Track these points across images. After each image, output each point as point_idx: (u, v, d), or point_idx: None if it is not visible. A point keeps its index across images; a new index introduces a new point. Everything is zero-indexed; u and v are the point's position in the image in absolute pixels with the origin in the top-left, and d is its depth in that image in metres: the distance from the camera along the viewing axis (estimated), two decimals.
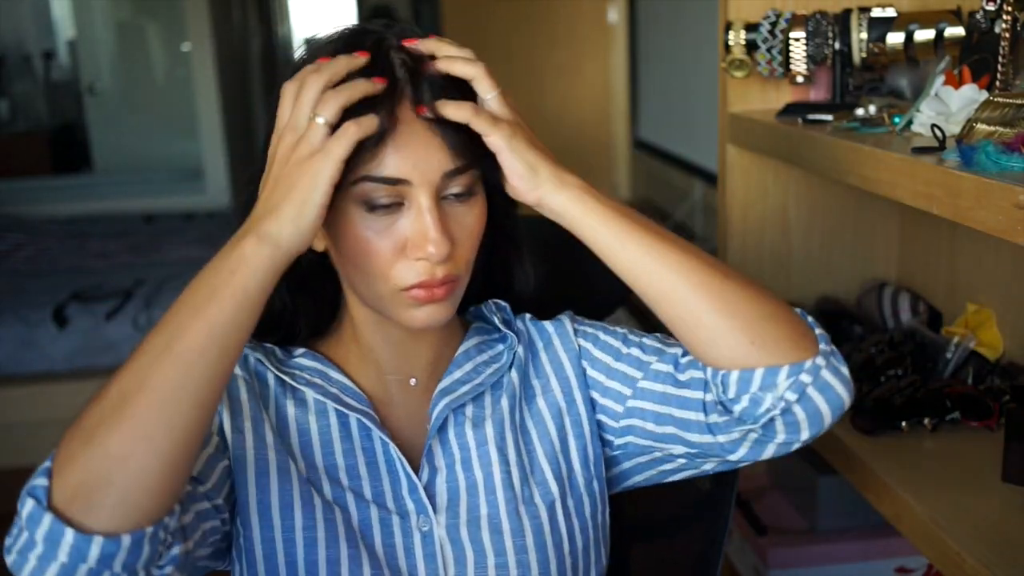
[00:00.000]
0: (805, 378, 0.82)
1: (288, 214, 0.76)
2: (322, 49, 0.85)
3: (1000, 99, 0.96)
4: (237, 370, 0.91)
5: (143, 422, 0.70)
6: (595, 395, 0.96)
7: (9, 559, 0.70)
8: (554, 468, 0.94)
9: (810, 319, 0.88)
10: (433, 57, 0.84)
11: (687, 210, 3.44)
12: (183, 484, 0.75)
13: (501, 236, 0.95)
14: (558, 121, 3.83)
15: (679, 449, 0.91)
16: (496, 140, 0.83)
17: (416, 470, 0.91)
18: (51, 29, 5.89)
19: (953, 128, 1.04)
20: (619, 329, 0.98)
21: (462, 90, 0.84)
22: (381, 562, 0.87)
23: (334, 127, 0.78)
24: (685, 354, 0.91)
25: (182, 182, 4.86)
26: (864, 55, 1.35)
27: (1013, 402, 1.23)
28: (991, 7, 1.08)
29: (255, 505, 0.87)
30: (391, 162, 0.81)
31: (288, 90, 0.81)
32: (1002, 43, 1.05)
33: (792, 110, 1.39)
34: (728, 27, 1.43)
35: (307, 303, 0.94)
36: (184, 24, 4.58)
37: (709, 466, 0.93)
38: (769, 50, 1.40)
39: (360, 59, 0.81)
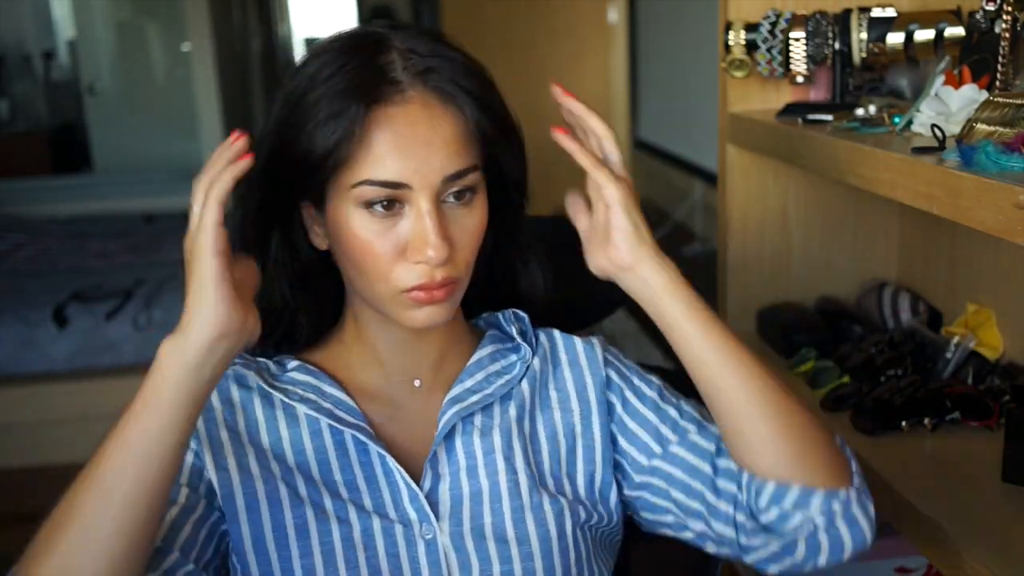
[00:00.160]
0: (836, 507, 0.85)
1: (190, 303, 0.75)
2: (323, 52, 0.85)
3: (1000, 99, 0.96)
4: (216, 404, 0.89)
5: (79, 545, 0.73)
6: (620, 439, 0.96)
7: None
8: (558, 482, 0.94)
9: (848, 451, 0.90)
10: (448, 57, 0.84)
11: (687, 210, 3.44)
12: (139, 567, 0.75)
13: (505, 238, 0.95)
14: (558, 121, 3.84)
15: (698, 526, 0.92)
16: (613, 193, 0.84)
17: (419, 475, 0.90)
18: (51, 29, 5.89)
19: (953, 128, 1.04)
20: (655, 380, 0.98)
21: (482, 83, 0.85)
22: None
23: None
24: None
25: (182, 182, 4.83)
26: (864, 55, 1.35)
27: (1013, 402, 1.23)
28: (991, 7, 1.08)
29: (250, 541, 0.86)
30: (392, 165, 0.81)
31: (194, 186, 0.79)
32: (1002, 43, 1.05)
33: (792, 110, 1.39)
34: (728, 27, 1.43)
35: (309, 301, 0.93)
36: (184, 24, 4.58)
37: (713, 549, 0.93)
38: (769, 50, 1.40)
39: (239, 145, 0.76)
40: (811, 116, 1.34)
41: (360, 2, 6.95)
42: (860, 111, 1.27)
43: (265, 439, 0.90)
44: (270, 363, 0.94)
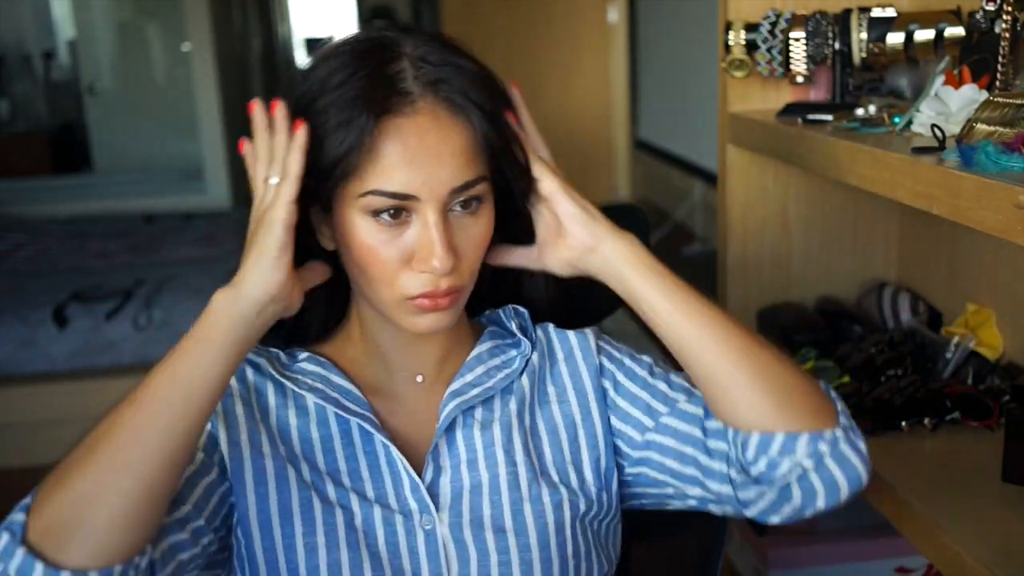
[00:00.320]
0: (823, 447, 0.85)
1: (250, 265, 0.80)
2: (333, 57, 0.85)
3: (1000, 99, 0.96)
4: (233, 383, 0.92)
5: (109, 466, 0.75)
6: (614, 420, 0.96)
7: None
8: (562, 474, 0.94)
9: (833, 393, 0.90)
10: (459, 67, 0.84)
11: (687, 210, 3.44)
12: (153, 523, 0.77)
13: (511, 243, 0.95)
14: (558, 121, 3.83)
15: (695, 491, 0.93)
16: (551, 183, 0.88)
17: (421, 468, 0.91)
18: (51, 29, 5.89)
19: (953, 128, 1.04)
20: (645, 358, 0.99)
21: (491, 96, 0.85)
22: (384, 563, 0.87)
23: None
24: None
25: (182, 182, 4.86)
26: (864, 55, 1.35)
27: (1013, 402, 1.23)
28: (991, 7, 1.08)
29: (255, 515, 0.88)
30: (400, 177, 0.82)
31: (247, 153, 0.85)
32: (1002, 43, 1.05)
33: (792, 110, 1.39)
34: (728, 27, 1.43)
35: (318, 298, 0.94)
36: (184, 24, 4.58)
37: (718, 510, 0.93)
38: (769, 50, 1.40)
39: (299, 131, 0.81)
40: (811, 116, 1.34)
41: (360, 2, 6.95)
42: (860, 111, 1.27)
43: (275, 423, 0.92)
44: (281, 354, 0.96)
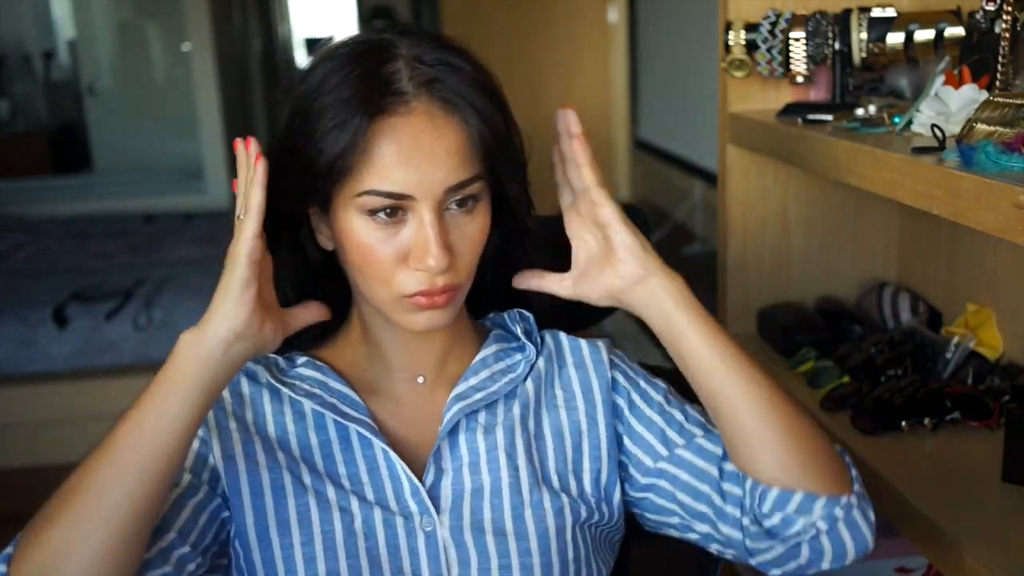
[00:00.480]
0: (838, 512, 0.85)
1: (215, 303, 0.80)
2: (330, 58, 0.86)
3: (1000, 99, 0.96)
4: (226, 395, 0.92)
5: (81, 517, 0.76)
6: (626, 439, 0.96)
7: None
8: (563, 480, 0.94)
9: (847, 459, 0.91)
10: (454, 67, 0.84)
11: (687, 210, 3.44)
12: (132, 564, 0.78)
13: (511, 242, 0.95)
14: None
15: (703, 528, 0.93)
16: (611, 211, 0.87)
17: (421, 470, 0.91)
18: (51, 29, 5.89)
19: (953, 128, 1.04)
20: (660, 383, 0.98)
21: (486, 95, 0.85)
22: (383, 567, 0.87)
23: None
24: None
25: (182, 182, 4.86)
26: (864, 55, 1.35)
27: (1013, 402, 1.23)
28: (991, 7, 1.08)
29: (253, 528, 0.88)
30: (395, 176, 0.82)
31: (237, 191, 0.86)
32: (1002, 43, 1.05)
33: (792, 110, 1.39)
34: (728, 27, 1.43)
35: (316, 300, 0.94)
36: (184, 24, 4.58)
37: (717, 550, 0.93)
38: (769, 50, 1.40)
39: (252, 152, 0.82)
40: (811, 116, 1.34)
41: (360, 2, 6.95)
42: (860, 111, 1.27)
43: (272, 431, 0.91)
44: (280, 359, 0.95)
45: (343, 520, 0.88)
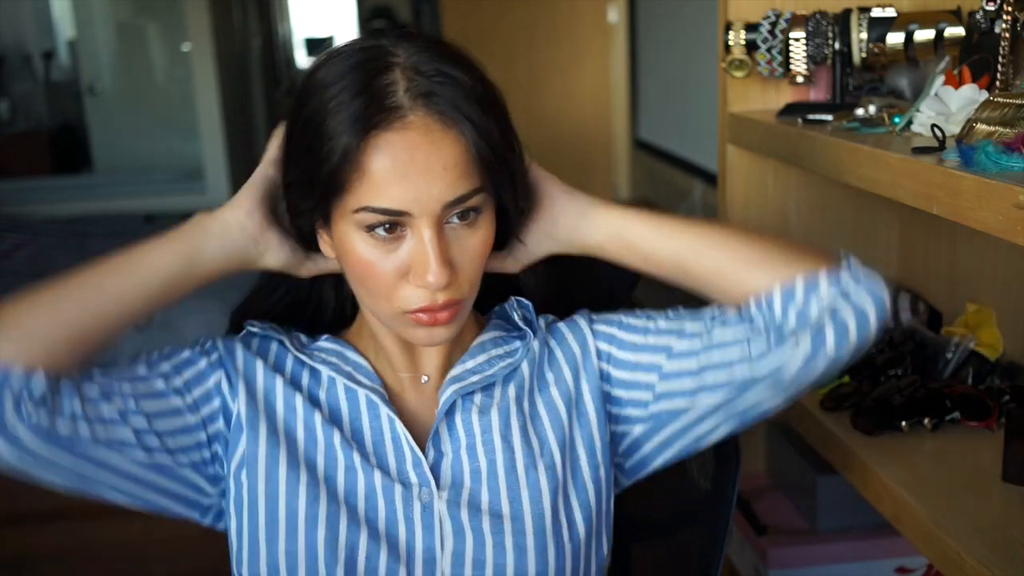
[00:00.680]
0: (845, 278, 0.86)
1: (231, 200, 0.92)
2: (327, 66, 0.85)
3: (1000, 99, 0.96)
4: (254, 350, 0.95)
5: (58, 294, 0.87)
6: (618, 391, 0.96)
7: None
8: (562, 454, 0.94)
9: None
10: (452, 78, 0.83)
11: (687, 210, 3.44)
12: (79, 355, 0.85)
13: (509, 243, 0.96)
14: (558, 121, 3.83)
15: (718, 397, 0.91)
16: (536, 169, 0.93)
17: (423, 453, 0.92)
18: (51, 29, 5.88)
19: (953, 128, 1.04)
20: (637, 315, 0.99)
21: (483, 108, 0.84)
22: (379, 530, 0.89)
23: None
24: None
25: (182, 182, 4.86)
26: (864, 55, 1.35)
27: (1013, 402, 1.23)
28: (991, 7, 1.08)
29: (263, 459, 0.90)
30: (392, 193, 0.81)
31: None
32: (1002, 43, 1.05)
33: (792, 110, 1.39)
34: (728, 27, 1.43)
35: (329, 294, 0.98)
36: (184, 24, 4.58)
37: (744, 407, 0.91)
38: (769, 50, 1.40)
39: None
40: (811, 116, 1.34)
41: (360, 2, 6.95)
42: (860, 111, 1.27)
43: (291, 383, 0.94)
44: (301, 334, 0.98)
45: (347, 478, 0.90)
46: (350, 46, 0.87)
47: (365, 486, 0.90)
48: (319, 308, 1.00)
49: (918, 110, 1.12)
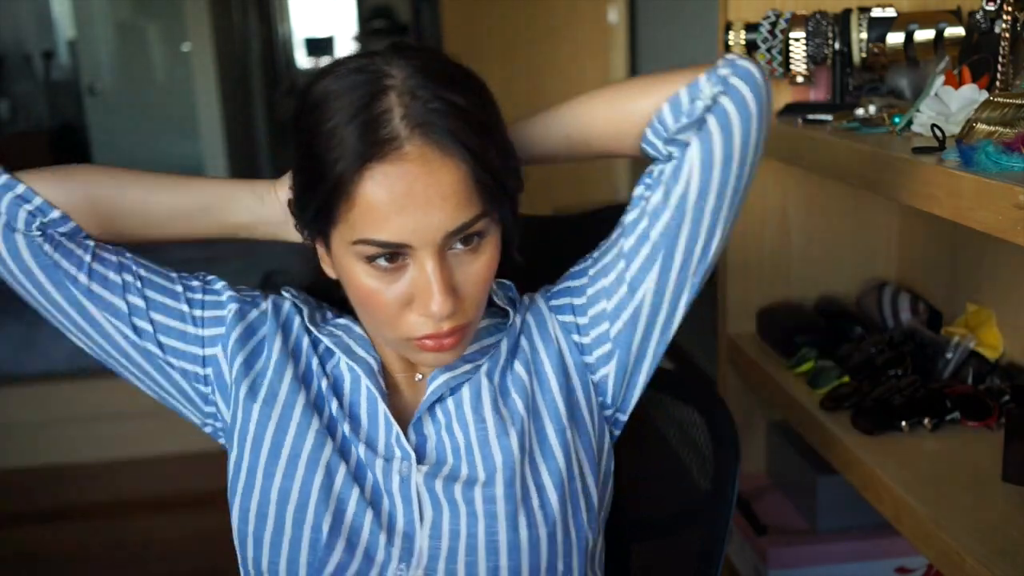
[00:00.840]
0: (723, 70, 0.86)
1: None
2: (322, 81, 0.83)
3: (1000, 99, 0.96)
4: (295, 316, 0.97)
5: (110, 174, 0.95)
6: (587, 358, 0.95)
7: None
8: (529, 421, 0.92)
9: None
10: (450, 103, 0.81)
11: None
12: (103, 225, 0.93)
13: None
14: None
15: (657, 254, 0.90)
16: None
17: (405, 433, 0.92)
18: (51, 29, 5.88)
19: (953, 128, 1.04)
20: (576, 272, 0.97)
21: (481, 133, 0.82)
22: (367, 497, 0.89)
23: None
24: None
25: None
26: (864, 55, 1.35)
27: (1013, 402, 1.23)
28: (991, 7, 1.08)
29: (256, 417, 0.92)
30: (390, 226, 0.80)
31: None
32: (1002, 43, 1.05)
33: (792, 110, 1.40)
34: (728, 27, 1.43)
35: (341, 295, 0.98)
36: (184, 24, 4.59)
37: (683, 255, 0.90)
38: (769, 50, 1.40)
39: None
40: (811, 116, 1.34)
41: (360, 2, 6.95)
42: (860, 111, 1.27)
43: (312, 356, 0.96)
44: (329, 311, 0.99)
45: (343, 443, 0.91)
46: (344, 64, 0.84)
47: (356, 455, 0.90)
48: (329, 300, 1.00)
49: (918, 110, 1.12)
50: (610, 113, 0.91)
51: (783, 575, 1.50)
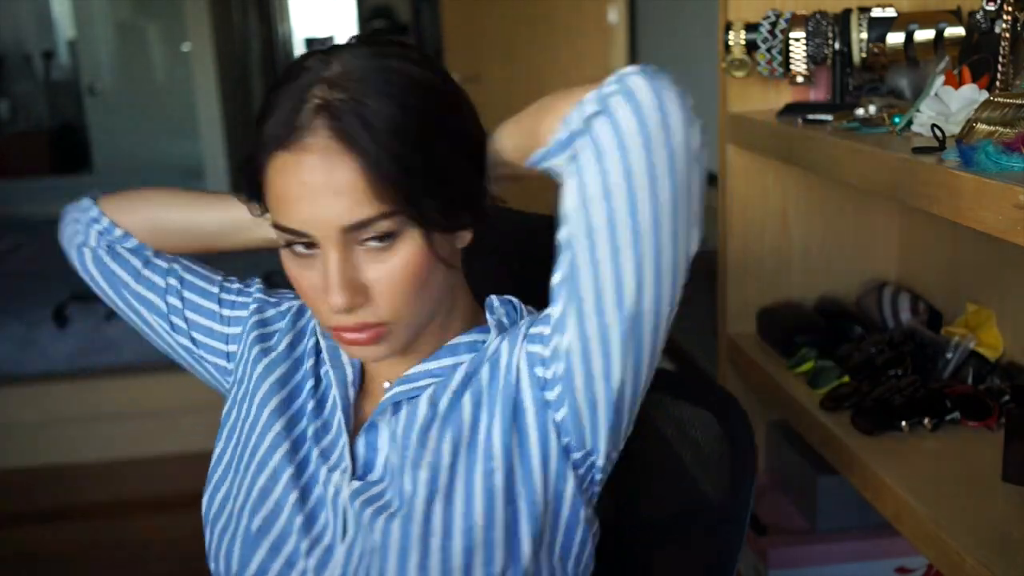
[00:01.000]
0: (609, 87, 0.83)
1: None
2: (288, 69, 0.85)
3: (1000, 99, 0.96)
4: (294, 310, 1.02)
5: (168, 197, 1.07)
6: (548, 394, 0.86)
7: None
8: (453, 456, 0.86)
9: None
10: (371, 95, 0.78)
11: None
12: (160, 243, 1.05)
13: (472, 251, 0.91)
14: None
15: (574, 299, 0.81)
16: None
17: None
18: (51, 29, 5.89)
19: (953, 128, 1.04)
20: (537, 318, 0.89)
21: (398, 132, 0.79)
22: (307, 505, 0.90)
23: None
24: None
25: (182, 182, 4.86)
26: (864, 55, 1.35)
27: (1013, 402, 1.23)
28: (991, 7, 1.08)
29: (232, 407, 0.99)
30: (291, 215, 0.80)
31: None
32: (1002, 43, 1.05)
33: (792, 110, 1.39)
34: (728, 27, 1.43)
35: None
36: (184, 24, 4.58)
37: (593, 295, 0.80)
38: (769, 50, 1.40)
39: None
40: (811, 116, 1.34)
41: (360, 2, 6.94)
42: (860, 111, 1.27)
43: (312, 353, 0.99)
44: None
45: (306, 444, 0.93)
46: (295, 59, 0.85)
47: (312, 461, 0.92)
48: None
49: (918, 110, 1.12)
50: (525, 139, 0.85)
51: (783, 575, 1.50)
